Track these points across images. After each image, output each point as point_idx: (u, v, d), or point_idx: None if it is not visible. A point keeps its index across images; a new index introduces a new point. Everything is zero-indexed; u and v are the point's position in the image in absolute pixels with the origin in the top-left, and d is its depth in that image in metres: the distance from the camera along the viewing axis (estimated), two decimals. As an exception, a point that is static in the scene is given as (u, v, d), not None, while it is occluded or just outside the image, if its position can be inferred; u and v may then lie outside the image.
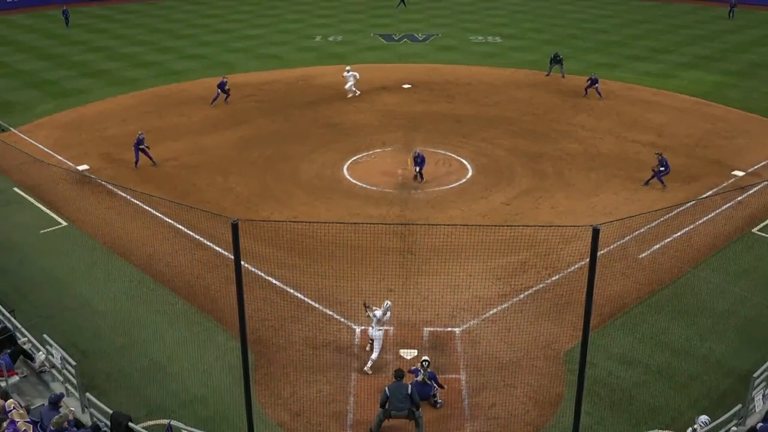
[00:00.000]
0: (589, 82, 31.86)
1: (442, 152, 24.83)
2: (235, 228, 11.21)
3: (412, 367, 13.21)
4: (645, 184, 22.07)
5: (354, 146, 25.46)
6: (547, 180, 22.69)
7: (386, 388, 12.12)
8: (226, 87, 31.09)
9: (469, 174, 23.13)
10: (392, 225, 18.88)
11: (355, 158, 24.43)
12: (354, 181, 22.55)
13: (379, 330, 13.80)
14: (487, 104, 30.94)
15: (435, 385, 12.87)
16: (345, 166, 23.70)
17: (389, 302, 14.23)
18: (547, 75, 35.18)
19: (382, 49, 42.56)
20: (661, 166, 21.97)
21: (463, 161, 24.10)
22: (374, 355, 13.77)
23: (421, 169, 22.22)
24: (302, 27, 50.04)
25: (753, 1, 56.79)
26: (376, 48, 42.92)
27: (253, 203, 21.06)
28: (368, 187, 22.05)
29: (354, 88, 31.29)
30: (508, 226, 18.19)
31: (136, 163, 23.67)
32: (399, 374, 12.31)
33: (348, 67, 31.56)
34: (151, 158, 23.89)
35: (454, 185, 22.24)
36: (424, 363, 12.85)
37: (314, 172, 23.40)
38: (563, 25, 49.93)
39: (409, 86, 33.72)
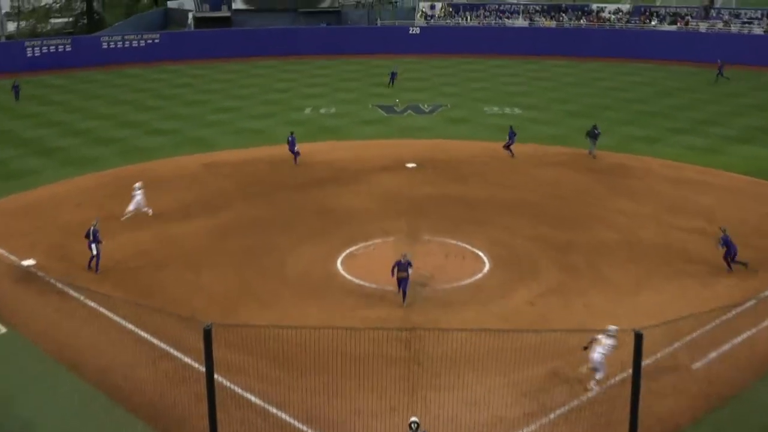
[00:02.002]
0: (509, 139, 35.12)
1: (453, 242, 25.16)
2: (207, 334, 11.36)
3: None
4: (730, 270, 22.79)
5: (349, 236, 25.82)
6: (578, 275, 22.88)
7: None
8: (295, 148, 34.22)
9: (486, 268, 23.35)
10: (395, 330, 18.90)
11: (350, 250, 24.73)
12: (350, 278, 22.74)
13: (600, 353, 16.44)
14: (506, 186, 31.60)
15: None
16: (339, 260, 23.97)
17: (615, 327, 16.75)
18: (590, 153, 35.53)
19: (381, 123, 43.82)
20: (725, 245, 22.57)
21: (479, 253, 24.38)
22: (599, 375, 16.62)
23: (405, 287, 20.83)
24: (290, 97, 51.74)
25: (751, 62, 59.45)
26: (374, 121, 44.20)
27: (230, 304, 21.16)
28: (366, 284, 22.22)
29: (143, 209, 27.95)
30: (533, 331, 18.19)
31: (93, 261, 23.38)
32: None
33: (138, 184, 28.33)
34: (92, 259, 23.40)
35: (467, 282, 22.41)
36: (413, 425, 13.43)
37: (303, 267, 23.63)
38: (592, 94, 51.64)
39: (414, 165, 34.54)
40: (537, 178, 32.69)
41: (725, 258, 22.90)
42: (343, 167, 34.40)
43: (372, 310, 20.53)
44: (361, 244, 25.20)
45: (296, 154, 34.66)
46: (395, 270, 20.81)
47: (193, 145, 38.97)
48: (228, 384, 16.55)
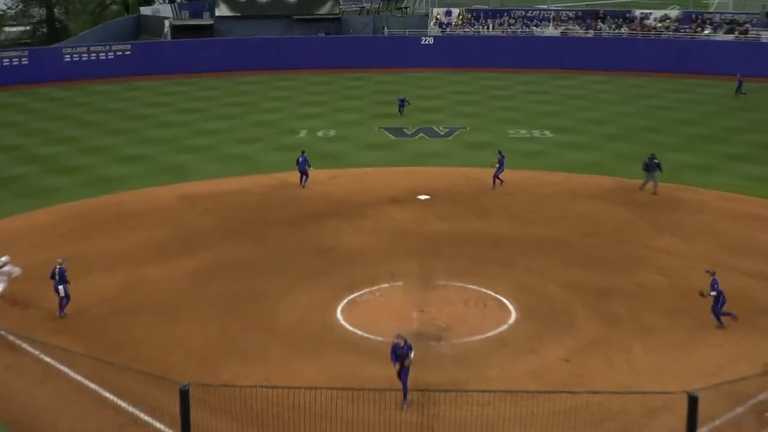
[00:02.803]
0: (498, 165, 35.42)
1: (474, 288, 25.18)
2: (184, 396, 11.41)
3: None
4: (720, 325, 22.56)
5: (351, 280, 25.90)
6: (620, 326, 22.85)
7: None
8: (307, 165, 35.71)
9: (512, 318, 23.34)
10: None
11: (352, 296, 24.77)
12: (352, 329, 22.76)
13: None
14: (534, 221, 31.72)
15: None
16: (339, 308, 24.00)
17: None
18: (642, 187, 35.10)
19: (389, 148, 44.14)
20: (712, 291, 22.36)
21: (503, 300, 24.39)
22: None
23: (405, 380, 18.80)
24: (282, 118, 52.20)
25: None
26: (381, 146, 44.54)
27: (211, 360, 21.17)
28: (371, 336, 22.21)
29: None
30: (568, 392, 18.15)
31: (61, 304, 23.74)
32: None
33: (4, 258, 25.15)
34: (62, 302, 23.77)
35: (490, 334, 22.39)
36: None
37: (296, 316, 23.66)
38: (635, 115, 51.95)
39: (427, 197, 34.73)
40: (571, 212, 32.79)
41: (714, 310, 22.57)
42: (345, 199, 34.62)
43: (378, 368, 20.43)
44: (365, 290, 25.24)
45: (305, 175, 36.09)
46: (393, 357, 18.83)
47: (169, 173, 39.27)
48: (208, 455, 16.52)
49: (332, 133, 47.90)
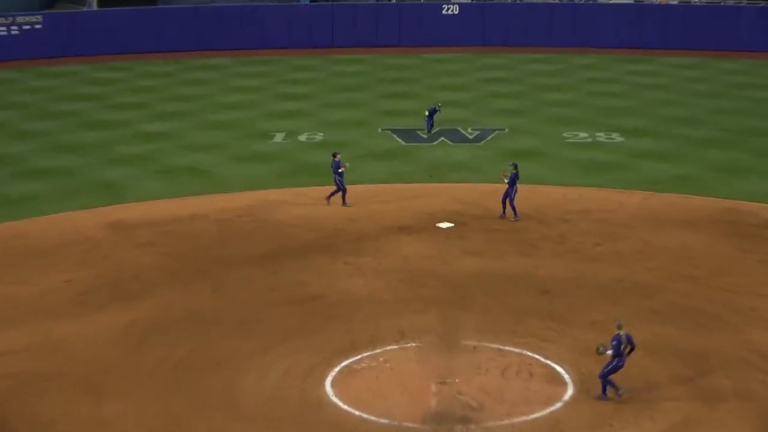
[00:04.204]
0: (510, 183, 34.70)
1: (515, 351, 25.13)
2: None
3: None
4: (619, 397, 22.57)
5: (346, 340, 25.86)
6: (721, 404, 22.71)
7: None
8: (340, 170, 35.99)
9: (568, 393, 23.22)
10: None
11: (347, 363, 24.70)
12: (345, 407, 22.64)
13: None
14: (599, 258, 31.72)
15: None
16: (329, 379, 23.92)
17: None
18: None
19: (398, 157, 44.30)
20: (609, 350, 22.34)
21: (556, 368, 24.31)
22: None
23: None
24: (250, 117, 52.43)
25: None
26: (387, 155, 44.74)
27: (150, 452, 21.11)
28: (373, 418, 22.11)
29: None
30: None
31: None
32: None
33: None
34: None
35: (539, 415, 22.27)
36: None
37: (269, 391, 23.56)
38: (736, 111, 52.13)
39: (450, 225, 34.76)
40: (652, 246, 32.77)
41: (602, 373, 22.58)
42: (337, 228, 34.69)
43: (382, 463, 20.45)
44: (365, 354, 25.18)
45: (343, 189, 36.49)
46: None
47: (94, 193, 39.34)
48: None
49: (320, 136, 48.01)
